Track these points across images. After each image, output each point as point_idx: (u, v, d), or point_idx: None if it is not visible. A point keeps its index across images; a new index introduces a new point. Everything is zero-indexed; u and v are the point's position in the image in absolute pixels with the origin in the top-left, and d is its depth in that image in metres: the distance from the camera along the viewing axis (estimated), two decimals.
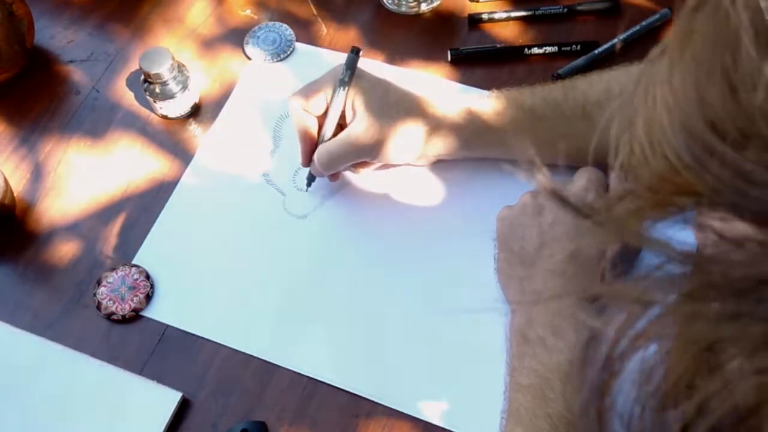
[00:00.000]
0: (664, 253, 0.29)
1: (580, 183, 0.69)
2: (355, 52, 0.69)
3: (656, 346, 0.29)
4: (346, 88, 0.70)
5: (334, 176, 0.76)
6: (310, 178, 0.76)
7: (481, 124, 0.71)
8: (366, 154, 0.71)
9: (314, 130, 0.72)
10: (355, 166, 0.75)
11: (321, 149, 0.72)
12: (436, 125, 0.71)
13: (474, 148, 0.74)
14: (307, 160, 0.74)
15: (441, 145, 0.72)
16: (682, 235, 0.30)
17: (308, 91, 0.71)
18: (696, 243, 0.29)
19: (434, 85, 0.83)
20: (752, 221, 0.28)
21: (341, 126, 0.72)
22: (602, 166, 0.69)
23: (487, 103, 0.72)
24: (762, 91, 0.26)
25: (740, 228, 0.28)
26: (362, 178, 0.78)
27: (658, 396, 0.29)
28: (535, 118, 0.71)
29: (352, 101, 0.70)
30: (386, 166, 0.76)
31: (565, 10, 0.86)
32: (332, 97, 0.70)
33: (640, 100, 0.32)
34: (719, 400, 0.27)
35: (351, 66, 0.69)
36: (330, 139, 0.72)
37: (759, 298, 0.26)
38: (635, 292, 0.29)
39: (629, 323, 0.29)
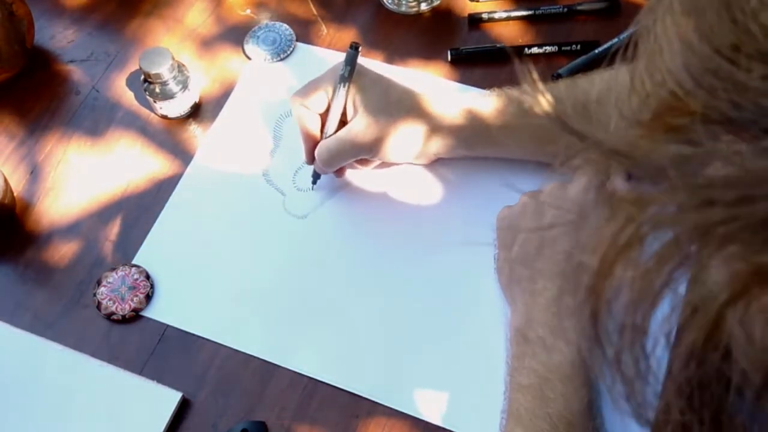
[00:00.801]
0: (659, 168, 0.29)
1: (581, 182, 0.69)
2: (354, 48, 0.69)
3: (651, 248, 0.30)
4: (347, 84, 0.70)
5: (339, 172, 0.76)
6: (315, 176, 0.76)
7: (482, 123, 0.71)
8: (366, 151, 0.71)
9: (317, 128, 0.73)
10: (357, 162, 0.75)
11: (321, 146, 0.72)
12: (436, 124, 0.71)
13: (474, 147, 0.74)
14: (311, 158, 0.74)
15: (441, 144, 0.72)
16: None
17: (309, 88, 0.71)
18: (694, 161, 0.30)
19: (434, 85, 0.83)
20: (745, 136, 0.28)
21: (344, 123, 0.72)
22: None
23: (487, 101, 0.72)
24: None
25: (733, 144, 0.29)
26: (362, 179, 0.78)
27: (651, 297, 0.30)
28: (536, 116, 0.70)
29: (353, 98, 0.70)
30: (386, 164, 0.76)
31: (565, 10, 0.86)
32: (333, 94, 0.70)
33: (643, 39, 0.34)
34: (707, 299, 0.28)
35: (350, 62, 0.69)
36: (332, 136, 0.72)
37: (744, 197, 0.27)
38: (633, 196, 0.30)
39: (624, 226, 0.30)
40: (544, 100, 0.34)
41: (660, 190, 0.29)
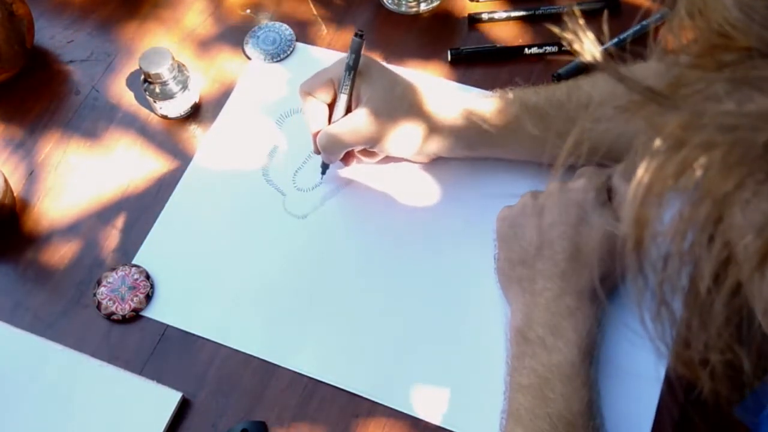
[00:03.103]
0: (709, 97, 0.29)
1: (581, 182, 0.69)
2: (359, 36, 0.69)
3: (697, 181, 0.29)
4: (352, 73, 0.70)
5: (347, 160, 0.76)
6: (324, 166, 0.76)
7: (484, 123, 0.71)
8: (365, 142, 0.71)
9: (324, 118, 0.73)
10: (361, 155, 0.75)
11: (322, 133, 0.72)
12: (436, 124, 0.71)
13: (476, 148, 0.74)
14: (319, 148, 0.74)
15: (441, 144, 0.72)
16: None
17: (317, 79, 0.72)
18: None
19: (434, 85, 0.82)
20: None
21: (350, 112, 0.72)
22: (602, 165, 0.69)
23: (490, 102, 0.72)
24: None
25: None
26: (363, 178, 0.78)
27: (696, 226, 0.29)
28: (538, 117, 0.70)
29: (358, 90, 0.70)
30: (387, 159, 0.76)
31: (565, 10, 0.86)
32: (340, 84, 0.70)
33: None
34: (758, 232, 0.28)
35: (356, 50, 0.69)
36: None
37: None
38: (683, 121, 0.29)
39: (673, 152, 0.29)
40: (589, 42, 0.33)
41: (713, 115, 0.28)
